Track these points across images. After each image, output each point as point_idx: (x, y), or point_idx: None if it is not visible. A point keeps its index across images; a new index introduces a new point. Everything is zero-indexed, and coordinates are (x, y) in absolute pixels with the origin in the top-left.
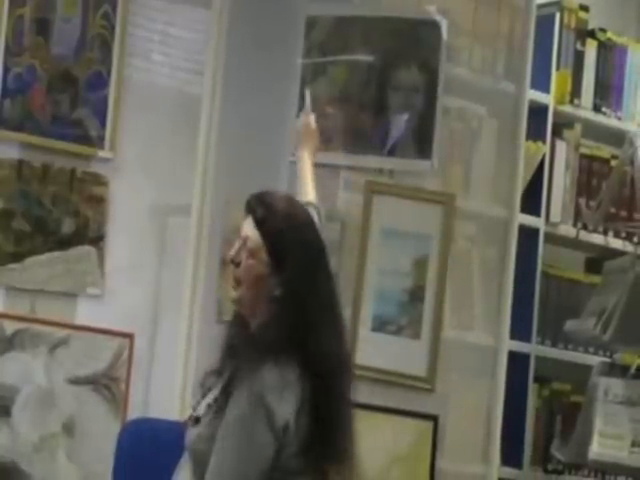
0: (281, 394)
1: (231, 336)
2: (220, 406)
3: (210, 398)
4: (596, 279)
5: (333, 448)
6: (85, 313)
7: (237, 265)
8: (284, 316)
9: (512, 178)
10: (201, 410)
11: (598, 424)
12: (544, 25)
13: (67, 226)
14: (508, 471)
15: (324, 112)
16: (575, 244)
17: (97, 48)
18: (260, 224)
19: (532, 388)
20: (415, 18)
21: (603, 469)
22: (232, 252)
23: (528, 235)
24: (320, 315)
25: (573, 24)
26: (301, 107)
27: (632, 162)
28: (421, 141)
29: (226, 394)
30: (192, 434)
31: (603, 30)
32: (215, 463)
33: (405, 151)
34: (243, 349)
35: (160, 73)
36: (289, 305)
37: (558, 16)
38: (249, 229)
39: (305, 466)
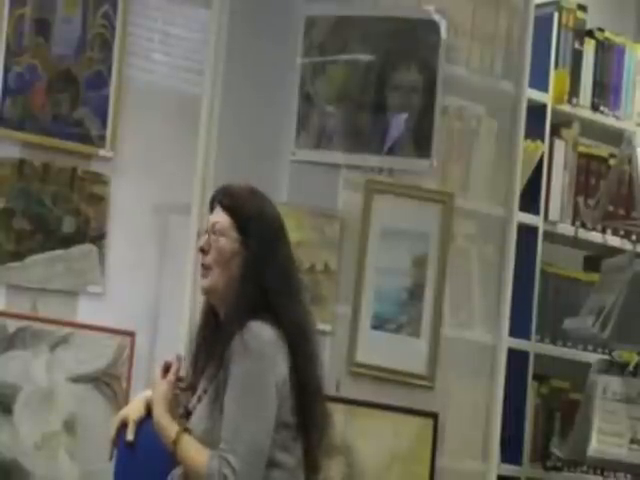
0: (277, 348)
1: (202, 343)
2: (215, 392)
3: (198, 392)
4: (595, 277)
5: (318, 410)
6: (86, 311)
7: (207, 253)
8: (250, 283)
9: (511, 177)
10: (191, 407)
11: (597, 421)
12: (542, 25)
13: (68, 225)
14: (507, 468)
15: (324, 111)
16: (574, 242)
17: (97, 48)
18: (227, 208)
19: (531, 385)
20: (414, 18)
21: (602, 466)
22: (201, 242)
23: (527, 233)
24: (281, 284)
25: (571, 24)
26: (301, 108)
27: (630, 161)
28: (420, 140)
29: (219, 379)
30: (190, 424)
31: (601, 30)
32: (232, 427)
33: (404, 150)
34: (223, 330)
35: (160, 72)
36: (255, 274)
37: (556, 16)
38: (217, 216)
39: (299, 426)
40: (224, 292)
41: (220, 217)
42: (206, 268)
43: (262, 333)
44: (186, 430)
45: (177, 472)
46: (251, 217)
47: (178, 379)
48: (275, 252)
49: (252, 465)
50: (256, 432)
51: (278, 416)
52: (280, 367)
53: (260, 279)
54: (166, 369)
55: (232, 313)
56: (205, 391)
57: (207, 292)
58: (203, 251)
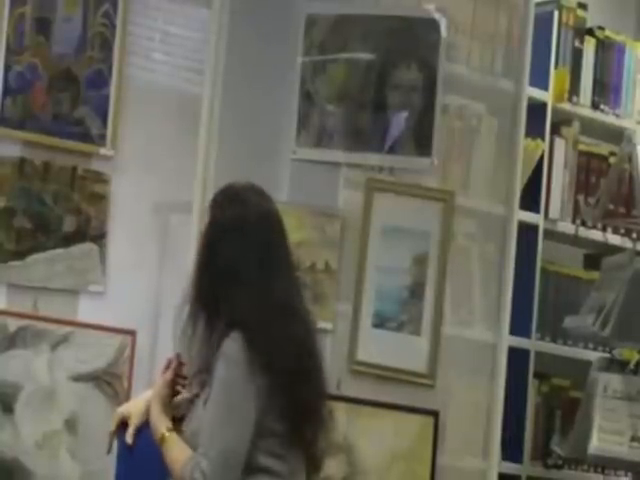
0: (252, 356)
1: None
2: (206, 396)
3: (191, 397)
4: (595, 275)
5: (309, 413)
6: (87, 310)
7: None
8: (209, 284)
9: (511, 175)
10: (184, 410)
11: (597, 419)
12: (542, 23)
13: (69, 224)
14: (508, 466)
15: (324, 110)
16: (574, 240)
17: (98, 47)
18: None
19: (532, 384)
20: (414, 17)
21: (603, 464)
22: None
23: (527, 232)
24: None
25: (571, 22)
26: (301, 107)
27: (630, 159)
28: (421, 139)
29: (209, 384)
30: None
31: (601, 28)
32: (207, 433)
33: (405, 149)
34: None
35: (161, 72)
36: (210, 271)
37: (556, 14)
38: None
39: (287, 430)
40: None
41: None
42: None
43: (237, 342)
44: (178, 431)
45: None
46: (213, 221)
47: (179, 376)
48: (250, 242)
49: (224, 470)
50: (230, 437)
51: (263, 423)
52: (260, 375)
53: (216, 275)
54: (168, 365)
55: (209, 324)
56: (197, 395)
57: None
58: None
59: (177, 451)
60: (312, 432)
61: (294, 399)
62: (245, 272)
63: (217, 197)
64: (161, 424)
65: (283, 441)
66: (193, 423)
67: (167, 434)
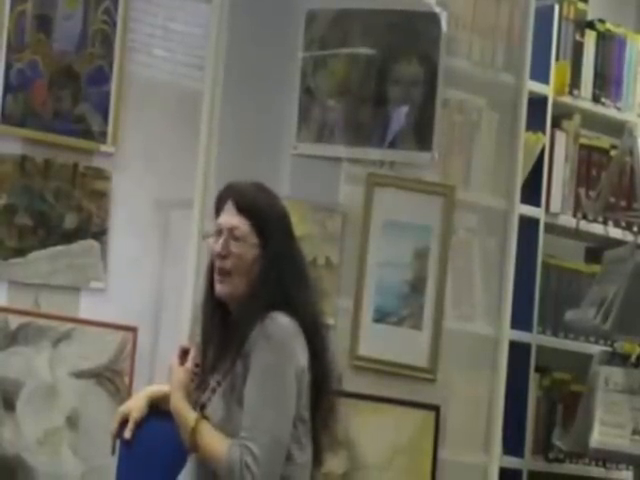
0: (297, 339)
1: (212, 338)
2: (232, 383)
3: (212, 385)
4: (596, 269)
5: (327, 404)
6: (88, 307)
7: (225, 257)
8: (270, 281)
9: (512, 169)
10: (204, 399)
11: (599, 413)
12: (543, 16)
13: (70, 221)
14: (509, 460)
15: (325, 105)
16: (575, 234)
17: (98, 43)
18: (244, 210)
19: (533, 378)
20: (415, 11)
21: (604, 457)
22: (218, 247)
23: (528, 225)
24: (298, 279)
25: (572, 15)
26: (302, 102)
27: (631, 152)
28: (421, 133)
29: (235, 371)
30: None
31: (602, 21)
32: (254, 418)
33: (405, 143)
34: (240, 323)
35: (161, 68)
36: (273, 272)
37: (557, 7)
38: (232, 219)
39: (310, 419)
40: (242, 294)
41: (237, 221)
42: (225, 274)
43: (284, 324)
44: (204, 418)
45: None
46: (269, 219)
47: (195, 365)
48: (291, 249)
49: (273, 453)
50: (277, 421)
51: (296, 409)
52: (299, 358)
53: (280, 277)
54: (183, 354)
55: (250, 309)
56: (219, 383)
57: (226, 298)
58: (221, 256)
59: (213, 439)
60: (324, 422)
61: (324, 385)
62: (289, 257)
63: (254, 193)
64: (189, 413)
65: (307, 429)
66: (219, 412)
67: (199, 423)
